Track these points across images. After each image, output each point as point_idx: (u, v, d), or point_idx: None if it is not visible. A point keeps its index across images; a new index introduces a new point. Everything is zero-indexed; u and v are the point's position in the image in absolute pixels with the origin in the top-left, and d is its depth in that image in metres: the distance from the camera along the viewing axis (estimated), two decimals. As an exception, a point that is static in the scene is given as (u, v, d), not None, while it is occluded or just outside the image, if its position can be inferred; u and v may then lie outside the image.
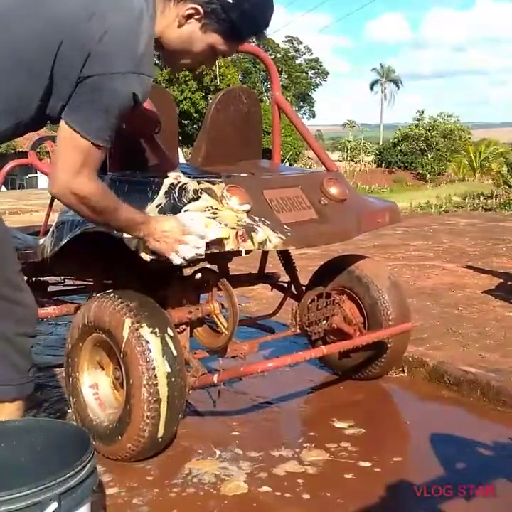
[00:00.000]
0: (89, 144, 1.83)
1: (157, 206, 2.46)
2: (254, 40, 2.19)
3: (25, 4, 1.83)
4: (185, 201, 2.43)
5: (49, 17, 1.80)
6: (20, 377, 1.96)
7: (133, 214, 2.16)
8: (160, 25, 1.95)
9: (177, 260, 2.23)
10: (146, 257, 2.27)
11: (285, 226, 2.57)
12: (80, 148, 1.84)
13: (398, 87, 72.76)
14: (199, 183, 2.51)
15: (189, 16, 1.95)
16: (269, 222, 2.53)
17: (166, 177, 2.52)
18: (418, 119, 36.27)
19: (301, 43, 51.38)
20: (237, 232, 2.38)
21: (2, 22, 1.81)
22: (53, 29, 1.79)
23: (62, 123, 1.84)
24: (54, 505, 1.49)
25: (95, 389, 2.65)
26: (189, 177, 2.54)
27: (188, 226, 2.26)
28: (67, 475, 1.55)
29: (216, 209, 2.45)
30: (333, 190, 2.91)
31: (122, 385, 2.50)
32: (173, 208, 2.42)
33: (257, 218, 2.52)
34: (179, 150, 3.33)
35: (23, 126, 1.92)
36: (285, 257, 3.34)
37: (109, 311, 2.47)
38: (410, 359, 3.52)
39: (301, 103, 50.98)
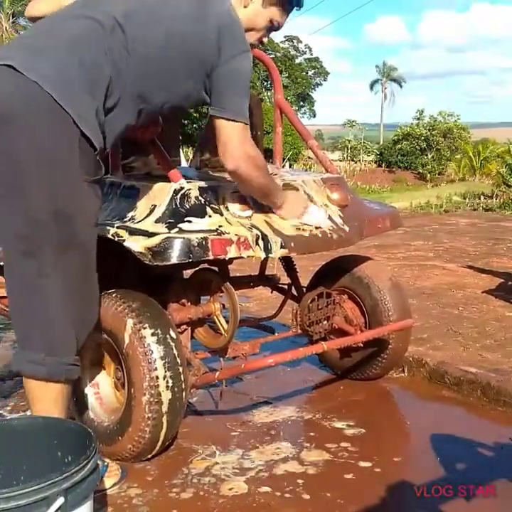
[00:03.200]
0: (243, 124, 2.25)
1: (159, 211, 2.46)
2: (297, 8, 2.47)
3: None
4: (187, 207, 2.44)
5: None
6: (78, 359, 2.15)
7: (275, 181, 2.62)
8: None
9: (307, 220, 2.64)
10: (148, 259, 2.28)
11: (286, 232, 2.58)
12: (236, 130, 2.25)
13: (401, 86, 72.65)
14: (201, 189, 2.51)
15: None
16: (270, 229, 2.54)
17: (168, 181, 2.52)
18: (418, 119, 36.25)
19: (300, 41, 51.36)
20: (238, 239, 2.40)
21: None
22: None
23: (215, 120, 2.25)
24: (61, 500, 1.51)
25: (96, 389, 2.65)
26: (191, 181, 2.54)
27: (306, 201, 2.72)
28: (73, 470, 1.57)
29: (218, 215, 2.46)
30: (336, 196, 2.91)
31: (123, 386, 2.50)
32: (175, 213, 2.42)
33: (259, 224, 2.53)
34: (180, 151, 3.33)
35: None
36: (286, 258, 3.34)
37: (111, 311, 2.47)
38: (410, 359, 3.52)
39: (302, 103, 50.94)
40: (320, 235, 2.69)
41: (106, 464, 2.37)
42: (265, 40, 2.49)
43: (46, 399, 2.09)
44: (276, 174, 2.95)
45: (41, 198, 1.94)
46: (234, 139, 2.25)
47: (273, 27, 2.43)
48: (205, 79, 2.20)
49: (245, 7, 2.33)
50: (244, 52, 2.22)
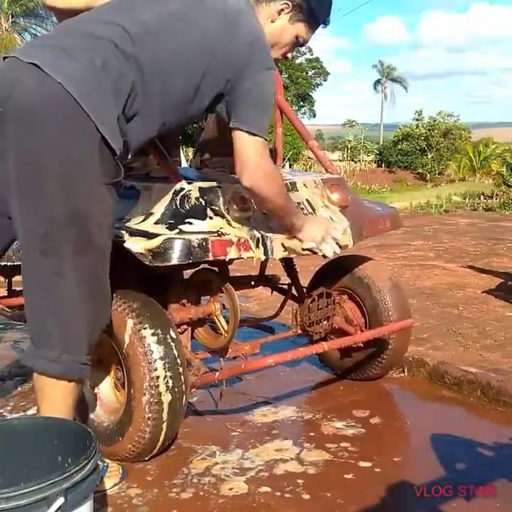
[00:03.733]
0: (263, 139, 2.24)
1: (159, 212, 2.46)
2: (324, 26, 2.50)
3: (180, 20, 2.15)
4: (188, 207, 2.44)
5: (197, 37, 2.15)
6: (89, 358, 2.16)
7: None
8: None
9: (329, 252, 2.62)
10: (148, 260, 2.28)
11: (287, 233, 2.58)
12: (258, 144, 2.23)
13: (406, 88, 72.49)
14: (201, 189, 2.51)
15: (281, 11, 2.36)
16: (271, 230, 2.54)
17: (168, 182, 2.52)
18: (417, 119, 36.26)
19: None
20: (239, 240, 2.40)
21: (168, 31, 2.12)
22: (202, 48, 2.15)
23: (237, 132, 2.22)
24: (61, 500, 1.51)
25: (96, 389, 2.65)
26: (191, 182, 2.54)
27: (332, 228, 2.65)
28: (73, 470, 1.57)
29: (218, 216, 2.46)
30: (336, 196, 2.92)
31: (123, 386, 2.50)
32: (175, 214, 2.42)
33: (259, 225, 2.53)
34: (180, 151, 3.33)
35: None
36: (286, 259, 3.34)
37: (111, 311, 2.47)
38: (410, 359, 3.53)
39: (302, 103, 50.90)
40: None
41: (106, 464, 2.38)
42: (290, 55, 2.51)
43: (56, 397, 2.09)
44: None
45: (60, 199, 1.95)
46: (253, 154, 2.23)
47: (298, 43, 2.44)
48: (227, 94, 2.22)
49: (272, 22, 2.36)
50: (269, 69, 2.24)
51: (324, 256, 2.65)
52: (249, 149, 2.22)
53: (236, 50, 2.17)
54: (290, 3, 2.35)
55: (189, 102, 2.20)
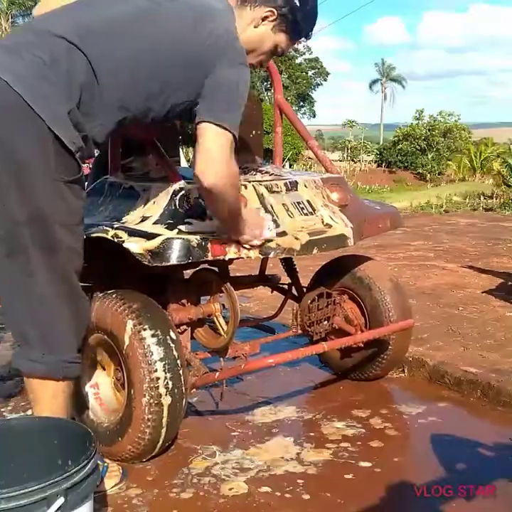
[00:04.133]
0: (232, 136, 2.11)
1: (158, 212, 2.46)
2: (305, 39, 2.53)
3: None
4: (187, 207, 2.44)
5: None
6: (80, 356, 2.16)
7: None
8: (238, 27, 2.24)
9: (269, 234, 2.48)
10: (147, 260, 2.28)
11: (287, 233, 2.58)
12: (226, 141, 2.09)
13: (404, 87, 72.48)
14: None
15: (265, 18, 2.31)
16: (270, 229, 2.54)
17: (168, 182, 2.52)
18: (417, 119, 36.26)
19: (300, 42, 51.26)
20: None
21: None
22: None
23: (205, 125, 2.08)
24: (61, 500, 1.52)
25: (96, 389, 2.65)
26: (190, 182, 2.54)
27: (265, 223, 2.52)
28: (73, 470, 1.57)
29: None
30: (336, 196, 2.91)
31: (123, 386, 2.50)
32: (174, 214, 2.42)
33: None
34: (180, 151, 3.33)
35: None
36: (285, 259, 3.34)
37: (110, 312, 2.47)
38: (410, 359, 3.52)
39: (302, 103, 50.90)
40: (320, 236, 2.69)
41: (106, 464, 2.37)
42: (265, 64, 2.47)
43: (46, 397, 2.09)
44: (276, 173, 2.96)
45: (16, 200, 1.93)
46: (221, 150, 2.08)
47: (276, 52, 2.41)
48: (199, 90, 2.15)
49: (255, 27, 2.32)
50: (242, 64, 2.17)
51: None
52: (216, 145, 2.08)
53: (202, 47, 2.11)
54: (276, 12, 2.30)
55: (154, 98, 2.14)
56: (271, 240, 2.50)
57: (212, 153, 2.08)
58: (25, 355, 2.08)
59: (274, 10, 2.29)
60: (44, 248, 1.99)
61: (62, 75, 1.95)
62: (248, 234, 2.40)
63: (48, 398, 2.09)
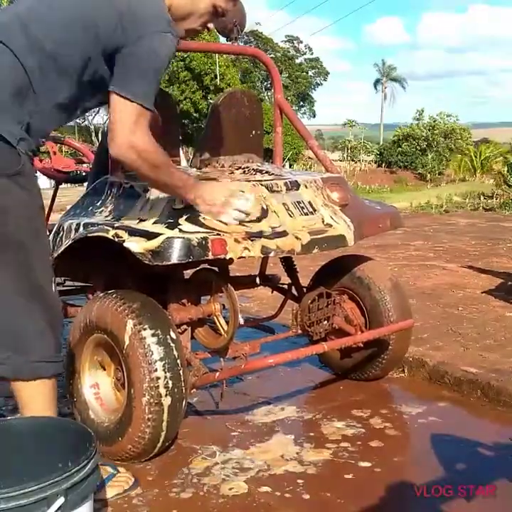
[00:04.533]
0: (141, 107, 2.05)
1: (158, 211, 2.47)
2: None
3: None
4: (187, 206, 2.44)
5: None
6: (57, 355, 2.12)
7: (185, 175, 2.40)
8: None
9: (229, 219, 2.41)
10: (147, 260, 2.28)
11: (286, 232, 2.58)
12: (132, 110, 2.05)
13: (404, 87, 72.42)
14: None
15: None
16: (270, 228, 2.54)
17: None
18: (418, 119, 36.24)
19: (301, 42, 51.36)
20: (235, 239, 2.40)
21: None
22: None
23: (112, 94, 2.05)
24: (61, 500, 1.52)
25: (96, 389, 2.65)
26: None
27: (233, 192, 2.45)
28: (73, 470, 1.57)
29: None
30: (336, 195, 2.92)
31: (124, 386, 2.50)
32: (174, 213, 2.42)
33: (258, 224, 2.52)
34: (180, 151, 3.34)
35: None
36: (286, 258, 3.34)
37: (111, 312, 2.47)
38: (410, 359, 3.52)
39: (302, 103, 50.94)
40: (320, 235, 2.69)
41: (114, 472, 2.35)
42: (211, 26, 2.35)
43: (25, 400, 2.08)
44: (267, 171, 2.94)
45: None
46: (125, 121, 2.05)
47: (217, 12, 2.30)
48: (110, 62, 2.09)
49: None
50: (155, 33, 2.06)
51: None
52: (121, 116, 2.06)
53: (115, 17, 2.04)
54: None
55: (81, 73, 2.09)
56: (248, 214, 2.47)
57: (115, 124, 2.08)
58: None
59: None
60: (1, 248, 1.96)
61: None
62: (202, 204, 2.38)
63: (27, 400, 2.07)
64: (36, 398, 2.08)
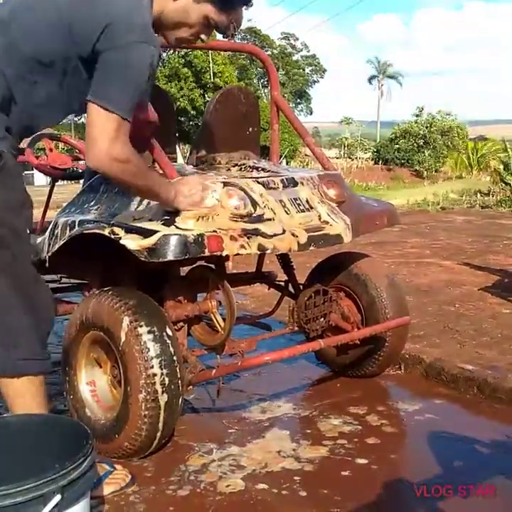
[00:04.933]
0: (119, 117, 2.01)
1: (154, 208, 2.46)
2: (244, 8, 2.30)
3: None
4: None
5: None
6: (44, 352, 2.11)
7: (161, 177, 2.41)
8: (158, 3, 2.13)
9: (211, 202, 2.44)
10: (144, 257, 2.28)
11: (282, 229, 2.57)
12: (111, 121, 2.00)
13: (401, 84, 72.33)
14: None
15: None
16: (266, 225, 2.54)
17: (165, 178, 2.52)
18: (417, 116, 36.24)
19: (297, 39, 51.32)
20: (231, 236, 2.40)
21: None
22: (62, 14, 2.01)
23: (89, 105, 2.01)
24: (57, 497, 1.52)
25: (93, 386, 2.65)
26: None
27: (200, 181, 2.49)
28: (70, 467, 1.57)
29: (213, 211, 2.46)
30: (332, 192, 2.91)
31: (120, 383, 2.50)
32: (171, 210, 2.42)
33: (254, 221, 2.52)
34: (177, 148, 3.33)
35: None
36: (282, 255, 3.34)
37: (107, 309, 2.47)
38: (407, 356, 3.53)
39: (298, 100, 50.91)
40: (316, 232, 2.69)
41: (111, 470, 2.35)
42: (204, 37, 2.30)
43: (11, 397, 2.07)
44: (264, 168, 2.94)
45: None
46: (104, 133, 2.01)
47: (210, 24, 2.23)
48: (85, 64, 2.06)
49: (175, 1, 2.16)
50: (133, 42, 2.01)
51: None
52: (97, 127, 2.02)
53: (95, 23, 2.00)
54: None
55: (61, 74, 2.08)
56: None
57: (91, 134, 2.03)
58: None
59: None
60: None
61: None
62: (183, 203, 2.38)
63: (14, 397, 2.07)
64: (23, 395, 2.07)
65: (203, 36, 2.29)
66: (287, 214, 2.66)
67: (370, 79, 72.53)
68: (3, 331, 2.04)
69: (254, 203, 2.57)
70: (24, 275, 2.08)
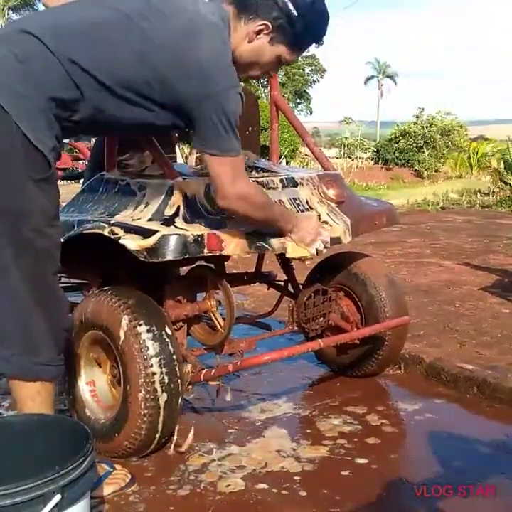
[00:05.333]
0: (231, 158, 2.15)
1: (154, 208, 2.46)
2: (316, 45, 2.34)
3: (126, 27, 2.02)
4: (183, 203, 2.43)
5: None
6: (60, 358, 2.13)
7: (281, 207, 2.59)
8: (234, 41, 2.17)
9: (314, 251, 2.57)
10: (143, 256, 2.28)
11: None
12: (227, 166, 2.16)
13: (396, 83, 72.41)
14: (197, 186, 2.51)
15: (259, 32, 2.17)
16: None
17: (164, 178, 2.52)
18: (417, 116, 36.21)
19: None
20: (231, 236, 2.40)
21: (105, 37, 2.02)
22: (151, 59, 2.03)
23: (205, 155, 2.17)
24: (57, 497, 1.52)
25: (92, 386, 2.65)
26: (187, 178, 2.54)
27: (320, 225, 2.64)
28: (70, 467, 1.57)
29: (214, 212, 2.46)
30: (332, 192, 2.91)
31: (119, 383, 2.50)
32: (170, 210, 2.42)
33: None
34: (176, 148, 3.33)
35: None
36: (282, 255, 3.33)
37: (106, 308, 2.47)
38: (407, 356, 3.53)
39: (298, 100, 50.88)
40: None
41: (111, 470, 2.35)
42: (273, 73, 2.41)
43: (23, 399, 2.07)
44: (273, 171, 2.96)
45: None
46: (223, 177, 2.17)
47: (281, 63, 2.30)
48: (188, 112, 2.11)
49: (249, 42, 2.19)
50: (227, 89, 2.08)
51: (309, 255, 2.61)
52: (217, 172, 2.17)
53: (186, 71, 2.03)
54: (270, 25, 2.15)
55: (130, 109, 2.09)
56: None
57: (216, 181, 2.20)
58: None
59: (267, 23, 2.15)
60: (14, 247, 1.96)
61: (35, 70, 1.92)
62: (296, 235, 2.53)
63: (25, 399, 2.07)
64: (34, 399, 2.08)
65: (271, 72, 2.41)
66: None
67: (368, 79, 72.52)
68: (24, 335, 2.04)
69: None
70: (51, 281, 2.10)
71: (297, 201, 2.75)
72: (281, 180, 2.76)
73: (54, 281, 2.12)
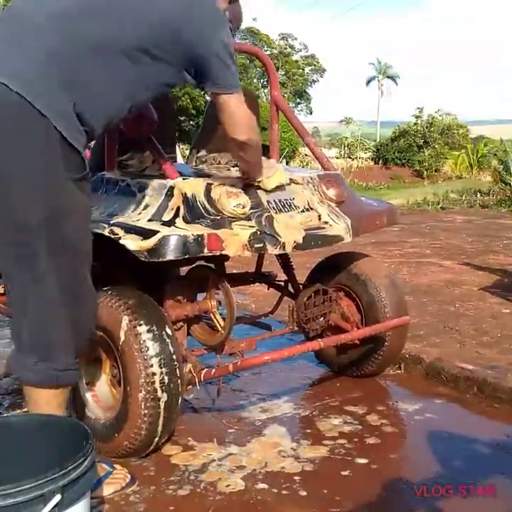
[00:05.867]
0: (239, 92, 2.27)
1: (154, 208, 2.46)
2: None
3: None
4: (183, 203, 2.43)
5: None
6: (77, 361, 2.13)
7: None
8: None
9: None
10: (143, 256, 2.28)
11: (283, 229, 2.57)
12: (242, 100, 2.29)
13: (397, 83, 72.33)
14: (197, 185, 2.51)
15: None
16: (266, 225, 2.54)
17: (164, 178, 2.52)
18: (417, 116, 36.20)
19: (295, 39, 51.20)
20: (231, 236, 2.39)
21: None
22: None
23: (218, 95, 2.24)
24: (57, 497, 1.51)
25: (92, 386, 2.65)
26: (187, 178, 2.54)
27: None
28: (70, 467, 1.56)
29: (214, 212, 2.46)
30: (332, 192, 2.91)
31: (120, 383, 2.50)
32: (170, 210, 2.42)
33: (255, 221, 2.52)
34: (177, 148, 3.33)
35: None
36: (282, 255, 3.34)
37: (106, 308, 2.47)
38: (407, 356, 3.53)
39: (298, 100, 50.85)
40: (316, 232, 2.69)
41: (111, 470, 2.35)
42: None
43: (39, 403, 2.07)
44: None
45: (27, 206, 1.90)
46: (243, 111, 2.29)
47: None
48: (189, 60, 2.15)
49: None
50: (220, 22, 2.21)
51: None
52: (239, 106, 2.27)
53: (187, 19, 2.10)
54: None
55: (142, 75, 2.10)
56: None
57: (235, 116, 2.29)
58: (20, 361, 2.06)
59: None
60: (53, 251, 1.95)
61: (58, 66, 1.91)
62: (265, 174, 2.65)
63: (41, 404, 2.07)
64: (50, 403, 2.08)
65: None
66: (286, 214, 2.66)
67: (369, 80, 72.46)
68: (45, 342, 2.03)
69: (254, 203, 2.58)
70: (86, 281, 2.09)
71: (297, 201, 2.75)
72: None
73: (90, 280, 2.11)
